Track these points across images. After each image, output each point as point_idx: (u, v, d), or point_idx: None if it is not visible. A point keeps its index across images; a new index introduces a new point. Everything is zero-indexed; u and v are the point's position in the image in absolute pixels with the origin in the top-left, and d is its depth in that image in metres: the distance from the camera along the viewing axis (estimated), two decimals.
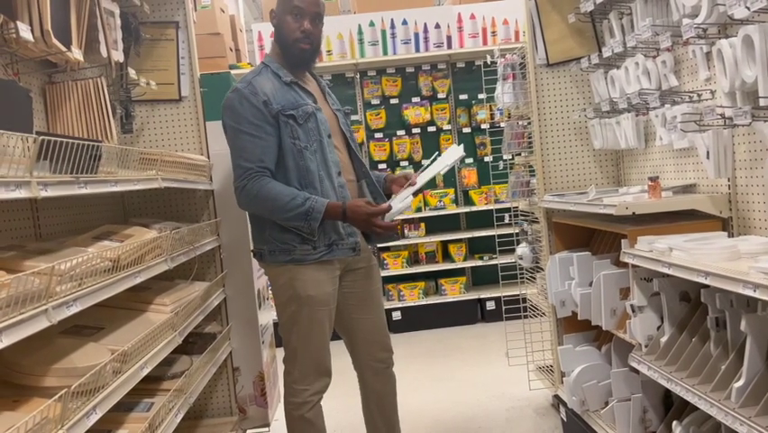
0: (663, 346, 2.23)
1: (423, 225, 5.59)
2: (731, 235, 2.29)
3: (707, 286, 1.90)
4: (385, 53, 5.47)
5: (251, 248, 2.54)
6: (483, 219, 5.50)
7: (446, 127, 5.70)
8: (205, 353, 2.73)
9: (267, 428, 3.31)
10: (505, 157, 3.72)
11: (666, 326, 2.26)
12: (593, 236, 3.11)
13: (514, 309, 3.81)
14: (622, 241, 2.36)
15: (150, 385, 2.28)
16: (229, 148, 2.42)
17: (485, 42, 5.48)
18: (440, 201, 5.56)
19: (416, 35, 5.47)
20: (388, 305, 5.42)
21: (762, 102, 1.86)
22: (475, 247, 5.74)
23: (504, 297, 3.94)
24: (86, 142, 1.69)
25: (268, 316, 3.53)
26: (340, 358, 2.59)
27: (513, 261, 3.72)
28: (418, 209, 5.53)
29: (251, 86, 2.34)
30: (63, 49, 2.12)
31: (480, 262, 5.63)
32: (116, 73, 2.73)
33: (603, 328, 2.66)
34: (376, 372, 2.60)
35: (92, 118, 2.41)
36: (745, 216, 2.25)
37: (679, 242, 2.06)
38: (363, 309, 2.56)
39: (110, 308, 2.20)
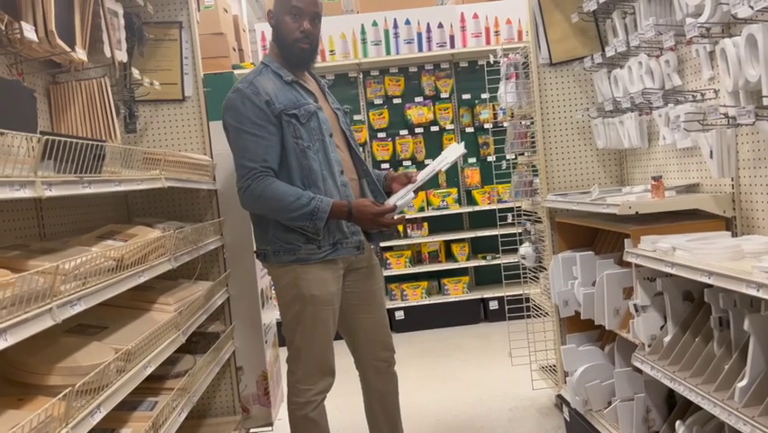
0: (667, 346, 2.22)
1: (426, 224, 5.59)
2: (734, 235, 2.28)
3: (710, 286, 1.90)
4: (388, 53, 5.47)
5: (254, 249, 2.54)
6: (486, 219, 5.50)
7: (449, 127, 5.70)
8: (208, 352, 2.73)
9: (270, 428, 3.31)
10: (508, 157, 3.72)
11: (669, 325, 2.26)
12: (596, 236, 3.10)
13: (517, 309, 3.80)
14: (625, 240, 2.36)
15: (153, 384, 2.29)
16: (231, 148, 2.42)
17: (488, 42, 5.47)
18: (443, 201, 5.56)
19: (419, 35, 5.47)
20: (390, 304, 5.42)
21: (765, 101, 1.86)
22: (478, 247, 5.74)
23: (507, 296, 3.94)
24: (90, 142, 1.69)
25: (271, 315, 3.54)
26: (342, 358, 2.59)
27: (516, 260, 3.72)
28: (421, 209, 5.53)
29: (252, 85, 2.35)
30: (67, 49, 2.13)
31: (482, 262, 5.62)
32: (120, 73, 2.73)
33: (606, 328, 2.66)
34: (378, 371, 2.61)
35: (96, 118, 2.42)
36: (749, 216, 2.24)
37: (682, 241, 2.05)
38: (365, 309, 2.57)
39: (114, 307, 2.21)
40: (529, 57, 3.25)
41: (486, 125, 5.54)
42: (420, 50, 5.47)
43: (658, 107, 2.52)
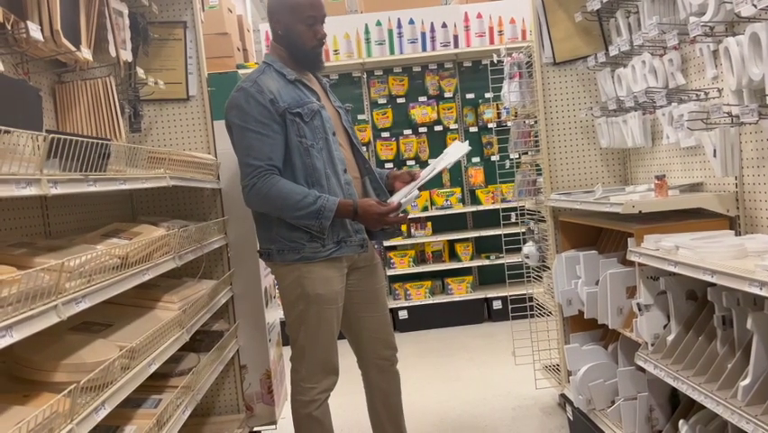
0: (670, 345, 2.22)
1: (429, 224, 5.59)
2: (738, 234, 2.28)
3: (713, 284, 1.90)
4: (392, 53, 5.47)
5: (258, 248, 2.55)
6: (490, 218, 5.50)
7: (453, 126, 5.70)
8: (212, 350, 2.74)
9: (274, 426, 3.32)
10: (511, 156, 3.72)
11: (673, 324, 2.26)
12: (600, 235, 3.10)
13: (520, 308, 3.80)
14: (629, 239, 2.36)
15: (157, 382, 2.30)
16: (234, 147, 2.43)
17: (492, 41, 5.47)
18: (446, 200, 5.56)
19: (423, 34, 5.48)
20: (394, 304, 5.42)
21: None
22: (482, 246, 5.74)
23: (510, 296, 3.94)
24: (96, 141, 1.70)
25: (275, 314, 3.55)
26: (345, 357, 2.59)
27: (519, 260, 3.72)
28: (425, 208, 5.53)
29: (256, 84, 2.35)
30: (72, 48, 2.14)
31: (486, 262, 5.62)
32: (125, 73, 2.75)
33: (609, 327, 2.66)
34: (381, 369, 2.61)
35: (101, 117, 2.43)
36: (753, 215, 2.24)
37: (685, 240, 2.05)
38: (368, 308, 2.57)
39: (119, 305, 2.22)
40: (533, 56, 3.25)
41: (489, 125, 5.54)
42: (424, 49, 5.47)
43: (661, 106, 2.52)
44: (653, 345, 2.30)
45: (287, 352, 2.72)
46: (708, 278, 1.82)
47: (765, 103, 1.89)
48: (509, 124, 3.67)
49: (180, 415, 2.19)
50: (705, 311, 2.17)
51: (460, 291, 5.54)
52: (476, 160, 5.75)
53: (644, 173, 3.03)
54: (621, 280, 2.58)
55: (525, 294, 3.79)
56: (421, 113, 5.61)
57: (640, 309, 2.33)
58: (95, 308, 1.69)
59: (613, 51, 2.74)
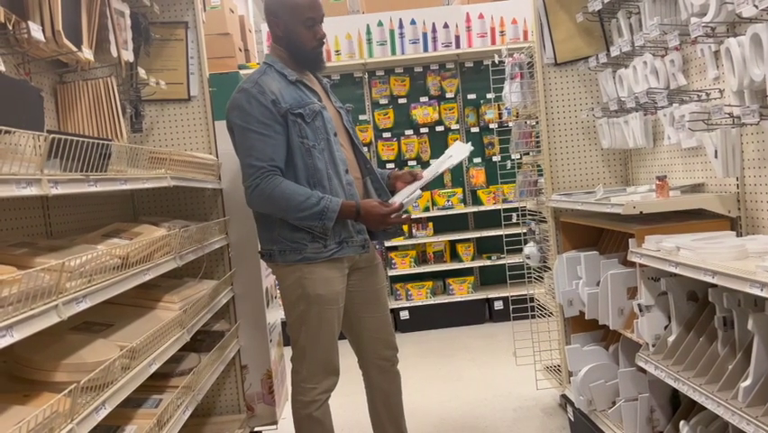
0: (671, 346, 2.22)
1: (431, 224, 5.59)
2: (739, 235, 2.28)
3: (714, 285, 1.89)
4: (393, 53, 5.47)
5: (259, 249, 2.55)
6: (491, 219, 5.50)
7: (454, 127, 5.70)
8: (213, 350, 2.74)
9: (274, 427, 3.32)
10: (513, 156, 3.72)
11: (674, 325, 2.26)
12: (601, 236, 3.10)
13: (521, 309, 3.80)
14: (629, 240, 2.36)
15: (158, 382, 2.30)
16: (235, 148, 2.43)
17: (493, 42, 5.47)
18: (448, 201, 5.56)
19: (425, 35, 5.47)
20: (395, 304, 5.42)
21: None
22: (483, 247, 5.73)
23: (511, 296, 3.94)
24: (97, 141, 1.71)
25: (275, 314, 3.55)
26: (346, 357, 2.60)
27: (521, 260, 3.72)
28: (426, 209, 5.53)
29: (258, 85, 2.35)
30: (74, 49, 2.15)
31: (487, 262, 5.62)
32: (126, 73, 2.75)
33: (610, 328, 2.65)
34: (381, 370, 2.61)
35: (102, 117, 2.44)
36: (754, 216, 2.24)
37: (686, 241, 2.05)
38: (369, 308, 2.57)
39: (119, 305, 2.22)
40: (534, 57, 3.25)
41: (491, 125, 5.54)
42: (425, 50, 5.47)
43: (663, 107, 2.51)
44: (653, 345, 2.30)
45: (287, 352, 2.72)
46: (709, 279, 1.82)
47: (766, 104, 1.89)
48: (511, 124, 3.67)
49: (181, 415, 2.19)
50: (706, 312, 2.17)
51: (461, 292, 5.54)
52: (477, 160, 5.75)
53: (646, 174, 3.02)
54: (622, 280, 2.58)
55: (526, 295, 3.79)
56: (422, 113, 5.62)
57: (641, 310, 2.33)
58: (95, 307, 1.69)
59: (614, 52, 2.74)
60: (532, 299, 3.74)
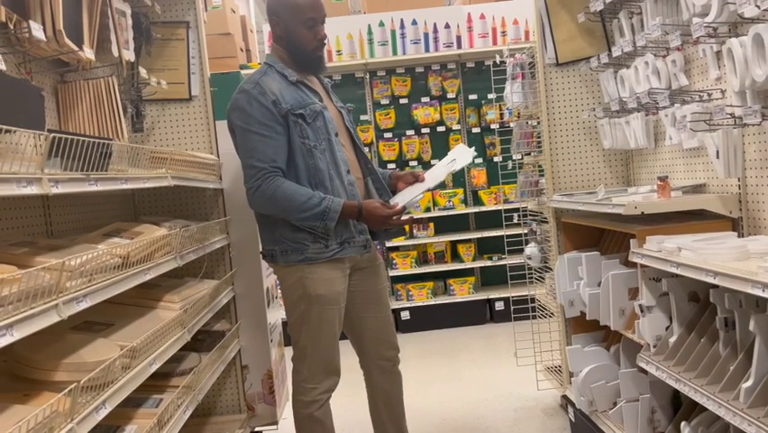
0: (672, 347, 2.22)
1: (432, 224, 5.59)
2: (741, 236, 2.27)
3: (716, 286, 1.89)
4: (394, 53, 5.47)
5: (260, 249, 2.55)
6: (492, 219, 5.50)
7: (456, 127, 5.70)
8: (213, 350, 2.74)
9: (275, 427, 3.32)
10: (514, 157, 3.72)
11: (675, 326, 2.25)
12: (602, 236, 3.10)
13: (522, 310, 3.80)
14: (631, 241, 2.35)
15: (158, 382, 2.30)
16: (237, 149, 2.43)
17: (495, 42, 5.47)
18: (449, 201, 5.55)
19: (426, 35, 5.47)
20: (396, 305, 5.42)
21: None
22: (484, 247, 5.73)
23: (513, 297, 3.93)
24: (97, 141, 1.71)
25: (276, 314, 3.55)
26: (347, 357, 2.59)
27: (522, 261, 3.72)
28: (427, 209, 5.53)
29: (258, 86, 2.35)
30: (75, 48, 2.15)
31: (488, 263, 5.62)
32: (127, 72, 2.75)
33: (612, 329, 2.65)
34: (383, 370, 2.61)
35: (103, 117, 2.44)
36: (755, 217, 2.23)
37: (688, 242, 2.05)
38: (370, 308, 2.57)
39: (120, 304, 2.22)
40: (535, 57, 3.25)
41: (492, 126, 5.54)
42: (427, 50, 5.47)
43: (664, 107, 2.51)
44: (655, 346, 2.29)
45: (288, 352, 2.72)
46: (710, 279, 1.81)
47: None
48: (512, 124, 3.67)
49: (181, 415, 2.19)
50: (707, 313, 2.16)
51: (462, 292, 5.53)
52: (479, 161, 5.74)
53: (647, 174, 3.02)
54: (623, 281, 2.57)
55: (527, 295, 3.78)
56: (424, 113, 5.61)
57: (642, 311, 2.33)
58: (96, 307, 1.69)
59: (616, 52, 2.73)
60: (533, 300, 3.74)
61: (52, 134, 1.48)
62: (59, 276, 1.49)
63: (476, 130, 5.75)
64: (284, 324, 3.17)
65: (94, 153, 1.68)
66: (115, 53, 2.52)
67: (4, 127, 1.32)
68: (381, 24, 5.47)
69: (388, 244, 5.48)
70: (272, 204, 2.33)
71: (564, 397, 3.30)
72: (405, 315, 5.46)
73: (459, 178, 5.76)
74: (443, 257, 5.69)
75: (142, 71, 2.81)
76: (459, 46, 5.49)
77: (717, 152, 2.21)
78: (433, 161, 5.56)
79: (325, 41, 2.46)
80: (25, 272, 1.39)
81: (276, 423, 3.31)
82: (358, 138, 2.58)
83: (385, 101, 5.70)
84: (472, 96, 5.73)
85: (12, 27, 1.90)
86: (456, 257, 5.70)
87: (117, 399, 1.70)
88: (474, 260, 5.63)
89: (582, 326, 3.11)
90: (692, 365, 2.08)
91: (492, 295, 5.52)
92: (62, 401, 1.45)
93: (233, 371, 3.22)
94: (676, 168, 2.74)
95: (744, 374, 1.84)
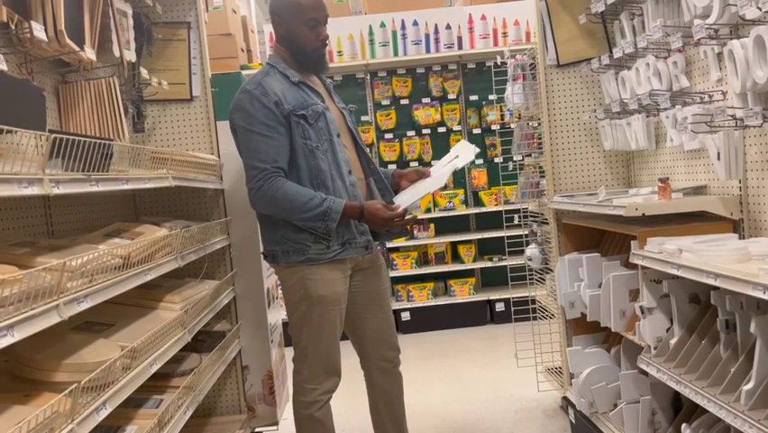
0: (673, 348, 2.22)
1: (432, 225, 5.58)
2: (742, 237, 2.27)
3: (716, 288, 1.89)
4: (395, 54, 5.48)
5: (262, 250, 2.55)
6: (493, 220, 5.50)
7: (456, 128, 5.70)
8: (214, 351, 2.74)
9: (275, 427, 3.32)
10: (515, 158, 3.72)
11: (675, 328, 2.25)
12: (603, 238, 3.09)
13: (523, 311, 3.80)
14: (632, 242, 2.35)
15: (159, 382, 2.30)
16: (239, 149, 2.43)
17: (496, 43, 5.47)
18: (449, 202, 5.55)
19: (427, 36, 5.47)
20: (397, 305, 5.42)
21: None
22: (484, 248, 5.73)
23: (513, 298, 3.93)
24: (98, 141, 1.71)
25: (277, 315, 3.55)
26: (348, 358, 2.59)
27: (522, 262, 3.72)
28: (428, 210, 5.53)
29: (261, 86, 2.35)
30: (76, 48, 2.15)
31: (489, 264, 5.62)
32: (128, 73, 2.75)
33: (612, 330, 2.65)
34: (384, 371, 2.61)
35: (104, 117, 2.44)
36: (757, 218, 2.23)
37: (689, 243, 2.04)
38: (372, 309, 2.57)
39: (120, 305, 2.22)
40: (536, 58, 3.25)
41: (493, 127, 5.53)
42: (428, 51, 5.47)
43: (665, 109, 2.51)
44: (655, 348, 2.29)
45: (288, 353, 2.72)
46: (711, 281, 1.81)
47: None
48: (513, 125, 3.67)
49: (182, 415, 2.19)
50: (708, 315, 2.16)
51: (462, 293, 5.53)
52: (479, 161, 5.74)
53: (648, 176, 3.02)
54: (624, 282, 2.57)
55: (527, 296, 3.78)
56: (424, 114, 5.61)
57: (643, 312, 2.33)
58: (96, 307, 1.69)
59: (617, 54, 2.73)
60: (533, 301, 3.73)
61: (53, 135, 1.48)
62: (59, 276, 1.49)
63: (477, 131, 5.74)
64: (284, 324, 3.17)
65: (95, 154, 1.68)
66: (117, 54, 2.52)
67: (6, 128, 1.32)
68: (382, 25, 5.47)
69: (389, 245, 5.48)
70: (274, 204, 2.33)
71: (565, 398, 3.30)
72: (405, 316, 5.46)
73: (459, 178, 5.76)
74: (443, 258, 5.68)
75: (143, 72, 2.81)
76: (460, 47, 5.49)
77: (719, 153, 2.21)
78: (433, 162, 5.56)
79: (327, 42, 2.46)
80: (26, 273, 1.39)
81: (276, 424, 3.31)
82: (360, 139, 2.58)
83: (386, 102, 5.70)
84: (473, 97, 5.73)
85: (13, 27, 1.91)
86: (457, 258, 5.70)
87: (118, 399, 1.70)
88: (475, 261, 5.63)
89: (583, 327, 3.11)
90: (693, 367, 2.08)
91: (493, 296, 5.51)
92: (63, 402, 1.45)
93: (233, 371, 3.22)
94: (677, 169, 2.73)
95: (745, 376, 1.84)
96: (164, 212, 3.12)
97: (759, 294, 1.61)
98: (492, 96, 5.29)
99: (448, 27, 5.47)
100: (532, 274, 3.74)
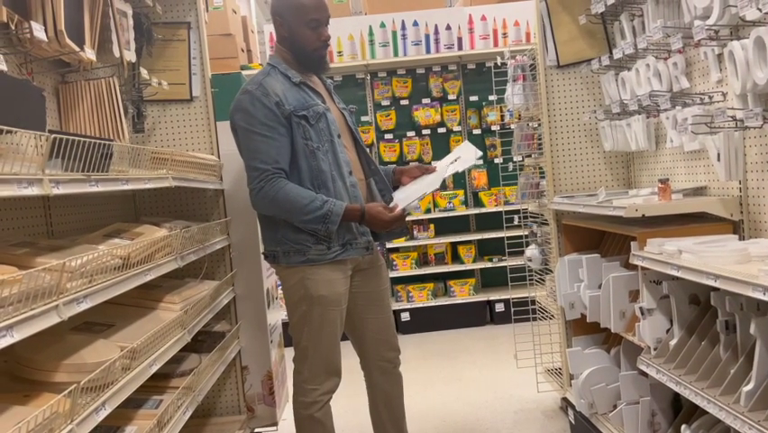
0: (673, 349, 2.22)
1: (432, 226, 5.58)
2: (742, 238, 2.27)
3: (716, 289, 1.89)
4: (396, 54, 5.48)
5: (262, 250, 2.55)
6: (493, 221, 5.50)
7: (456, 129, 5.70)
8: (213, 351, 2.74)
9: (275, 428, 3.32)
10: (515, 159, 3.72)
11: (675, 329, 2.25)
12: (603, 238, 3.09)
13: (523, 311, 3.80)
14: (632, 243, 2.35)
15: (158, 383, 2.30)
16: (239, 150, 2.42)
17: (496, 44, 5.47)
18: (449, 202, 5.55)
19: (427, 36, 5.47)
20: (396, 306, 5.42)
21: None
22: (484, 249, 5.73)
23: (513, 299, 3.93)
24: (98, 141, 1.71)
25: (276, 315, 3.55)
26: (348, 358, 2.59)
27: (522, 263, 3.72)
28: (428, 210, 5.53)
29: (262, 87, 2.35)
30: (76, 49, 2.15)
31: (489, 264, 5.61)
32: (128, 73, 2.75)
33: (612, 331, 2.65)
34: (384, 371, 2.61)
35: (104, 117, 2.44)
36: (756, 219, 2.23)
37: (689, 244, 2.04)
38: (372, 309, 2.57)
39: (120, 305, 2.22)
40: (536, 59, 3.25)
41: (493, 127, 5.54)
42: (428, 51, 5.47)
43: (665, 110, 2.51)
44: (655, 349, 2.29)
45: (288, 353, 2.72)
46: (711, 282, 1.81)
47: None
48: (513, 126, 3.67)
49: (181, 416, 2.19)
50: (708, 316, 2.16)
51: (462, 294, 5.53)
52: (479, 162, 5.74)
53: (648, 177, 3.02)
54: (624, 283, 2.57)
55: (527, 297, 3.78)
56: (424, 115, 5.61)
57: (643, 313, 2.32)
58: (96, 308, 1.69)
59: (617, 54, 2.73)
60: (533, 302, 3.73)
61: (53, 135, 1.48)
62: (59, 277, 1.49)
63: (477, 131, 5.75)
64: (284, 325, 3.17)
65: (95, 154, 1.68)
66: (116, 54, 2.52)
67: (6, 128, 1.32)
68: (382, 26, 5.47)
69: (389, 246, 5.48)
70: (275, 206, 2.33)
71: (564, 399, 3.30)
72: (405, 316, 5.46)
73: (459, 179, 5.76)
74: (443, 258, 5.68)
75: (143, 72, 2.81)
76: (460, 47, 5.49)
77: (719, 154, 2.21)
78: (433, 163, 5.55)
79: (329, 42, 2.46)
80: (26, 273, 1.39)
81: (276, 424, 3.31)
82: (360, 139, 2.58)
83: (386, 102, 5.70)
84: (473, 98, 5.73)
85: (13, 27, 1.91)
86: (456, 258, 5.70)
87: (117, 400, 1.70)
88: (474, 261, 5.63)
89: (583, 328, 3.11)
90: (693, 368, 2.08)
91: (492, 297, 5.51)
92: (62, 402, 1.45)
93: (233, 372, 3.22)
94: (677, 170, 2.73)
95: (744, 378, 1.84)
96: (164, 212, 3.12)
97: (759, 295, 1.61)
98: (492, 97, 5.27)
99: (448, 28, 5.47)
100: (532, 275, 3.74)
